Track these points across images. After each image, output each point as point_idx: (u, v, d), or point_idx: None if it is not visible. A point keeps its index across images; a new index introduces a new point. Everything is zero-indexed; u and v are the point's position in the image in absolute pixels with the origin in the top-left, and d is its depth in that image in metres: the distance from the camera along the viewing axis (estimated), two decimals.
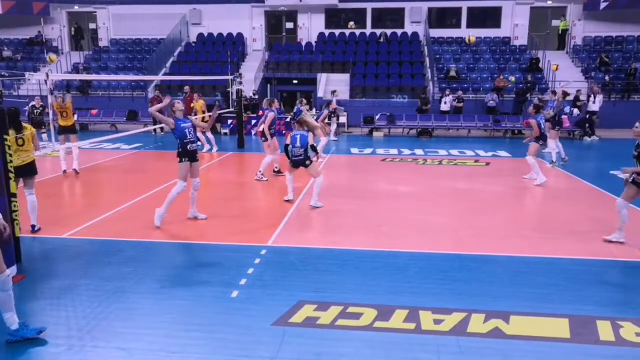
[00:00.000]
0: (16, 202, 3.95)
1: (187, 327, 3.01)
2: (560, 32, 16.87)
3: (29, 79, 15.68)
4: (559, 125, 8.75)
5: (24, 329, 2.80)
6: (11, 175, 3.90)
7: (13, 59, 17.70)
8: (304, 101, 9.59)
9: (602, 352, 2.78)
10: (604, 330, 3.00)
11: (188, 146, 4.91)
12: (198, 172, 5.10)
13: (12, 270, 3.64)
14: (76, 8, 18.97)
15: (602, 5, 16.31)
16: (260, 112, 13.45)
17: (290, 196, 6.00)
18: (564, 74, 15.13)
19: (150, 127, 12.37)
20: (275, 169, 7.68)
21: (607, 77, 14.96)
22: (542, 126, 7.25)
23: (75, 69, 16.80)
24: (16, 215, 3.93)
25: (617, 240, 4.46)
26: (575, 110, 13.41)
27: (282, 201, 6.05)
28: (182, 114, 4.97)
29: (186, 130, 4.91)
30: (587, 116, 12.89)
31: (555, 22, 17.61)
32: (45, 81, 5.39)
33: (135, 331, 2.96)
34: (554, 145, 8.61)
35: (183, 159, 4.90)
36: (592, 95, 13.06)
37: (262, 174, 7.34)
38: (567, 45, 17.20)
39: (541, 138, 7.20)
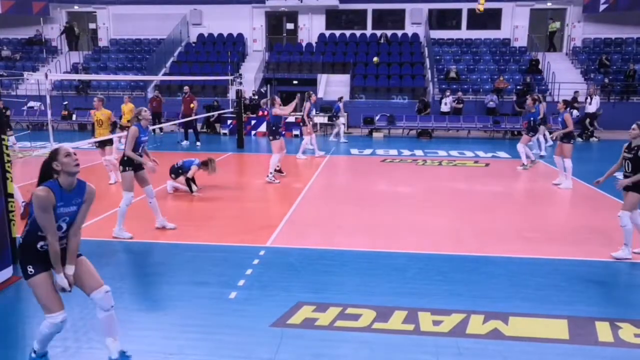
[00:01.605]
0: (13, 202, 3.93)
1: (184, 329, 2.99)
2: (548, 34, 16.86)
3: (27, 79, 15.67)
4: (533, 132, 8.61)
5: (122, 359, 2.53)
6: (9, 175, 3.88)
7: (12, 58, 17.68)
8: (313, 95, 9.69)
9: (601, 353, 2.77)
10: (603, 331, 2.99)
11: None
12: (148, 179, 4.74)
13: (8, 271, 3.62)
14: (76, 8, 18.96)
15: (602, 7, 16.34)
16: (261, 113, 13.51)
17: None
18: (564, 76, 15.15)
19: (149, 128, 12.34)
20: (277, 168, 7.69)
21: (606, 80, 14.99)
22: (575, 121, 7.22)
23: (75, 69, 16.80)
24: (13, 216, 3.91)
25: (625, 257, 4.10)
26: (575, 112, 13.42)
27: (281, 202, 6.03)
28: (147, 124, 4.63)
29: (142, 144, 4.62)
30: (587, 118, 12.91)
31: (555, 24, 17.67)
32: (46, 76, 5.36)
33: (133, 332, 2.93)
34: (522, 149, 8.45)
35: (127, 168, 4.56)
36: (589, 97, 13.09)
37: (273, 176, 7.29)
38: (564, 47, 17.25)
39: (572, 137, 7.02)
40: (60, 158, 2.31)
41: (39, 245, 2.36)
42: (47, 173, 2.34)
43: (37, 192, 2.26)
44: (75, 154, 2.35)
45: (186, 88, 11.96)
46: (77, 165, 2.34)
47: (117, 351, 2.53)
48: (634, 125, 4.19)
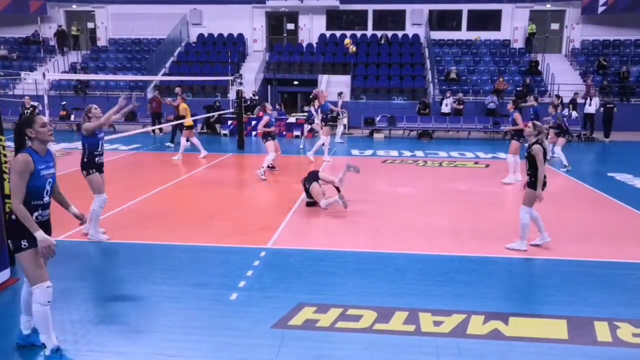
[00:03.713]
0: (10, 203, 3.90)
1: (185, 330, 2.98)
2: (528, 35, 16.92)
3: (24, 79, 15.63)
4: (565, 133, 8.81)
5: (34, 336, 2.69)
6: (5, 176, 3.87)
7: (9, 58, 17.62)
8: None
9: (599, 353, 2.78)
10: (602, 331, 3.00)
11: (96, 159, 4.48)
12: (104, 186, 4.66)
13: (6, 274, 3.60)
14: (74, 7, 18.92)
15: (600, 9, 16.41)
16: (261, 114, 13.49)
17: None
18: (563, 77, 15.19)
19: (149, 128, 12.34)
20: (270, 165, 7.83)
21: (605, 81, 15.03)
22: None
23: (73, 68, 16.76)
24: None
25: (519, 249, 4.28)
26: (574, 113, 13.47)
27: (282, 203, 6.03)
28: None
29: (100, 141, 4.50)
30: (587, 120, 12.94)
31: (554, 26, 17.73)
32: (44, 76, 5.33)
33: (132, 334, 2.92)
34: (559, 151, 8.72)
35: (91, 171, 4.43)
36: (588, 98, 13.12)
37: (264, 171, 7.49)
38: (563, 48, 17.26)
39: (521, 136, 7.24)
40: (37, 127, 2.50)
41: (34, 216, 2.49)
42: (21, 142, 2.50)
43: (19, 158, 2.44)
44: (50, 125, 2.59)
45: (178, 89, 11.55)
46: (52, 134, 2.55)
47: (30, 328, 2.70)
48: (529, 124, 4.32)
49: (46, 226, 2.60)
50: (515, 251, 4.31)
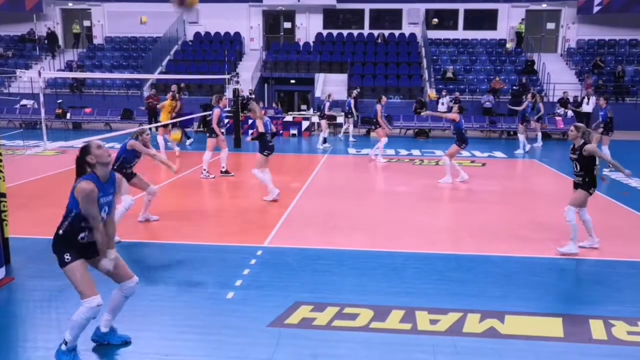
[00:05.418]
0: (5, 202, 3.88)
1: (181, 329, 2.98)
2: (522, 34, 17.02)
3: (20, 77, 15.49)
4: (609, 130, 8.61)
5: (111, 335, 2.77)
6: (1, 175, 3.84)
7: (4, 55, 17.47)
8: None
9: (594, 350, 2.80)
10: (597, 329, 3.02)
11: (124, 170, 4.60)
12: (145, 182, 4.81)
13: (1, 272, 3.57)
14: (70, 5, 18.79)
15: (595, 9, 16.52)
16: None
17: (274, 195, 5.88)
18: (559, 77, 15.28)
19: (146, 127, 12.26)
20: (223, 169, 7.51)
21: (600, 81, 15.14)
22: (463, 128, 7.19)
23: (69, 66, 16.63)
24: (5, 216, 3.86)
25: (571, 252, 4.20)
26: (570, 113, 13.55)
27: (278, 202, 6.02)
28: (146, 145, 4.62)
29: (135, 163, 4.61)
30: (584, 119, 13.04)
31: (550, 26, 17.84)
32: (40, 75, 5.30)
33: (129, 334, 2.91)
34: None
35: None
36: (586, 97, 13.20)
37: (207, 172, 7.31)
38: (559, 48, 17.34)
39: (463, 141, 7.13)
40: (94, 151, 2.53)
41: (79, 237, 2.53)
42: (81, 168, 2.54)
43: (83, 186, 2.44)
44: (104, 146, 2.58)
45: (174, 87, 10.87)
46: (109, 155, 2.58)
47: (109, 327, 2.77)
48: (572, 127, 4.27)
49: (91, 247, 2.57)
50: (568, 255, 4.15)
